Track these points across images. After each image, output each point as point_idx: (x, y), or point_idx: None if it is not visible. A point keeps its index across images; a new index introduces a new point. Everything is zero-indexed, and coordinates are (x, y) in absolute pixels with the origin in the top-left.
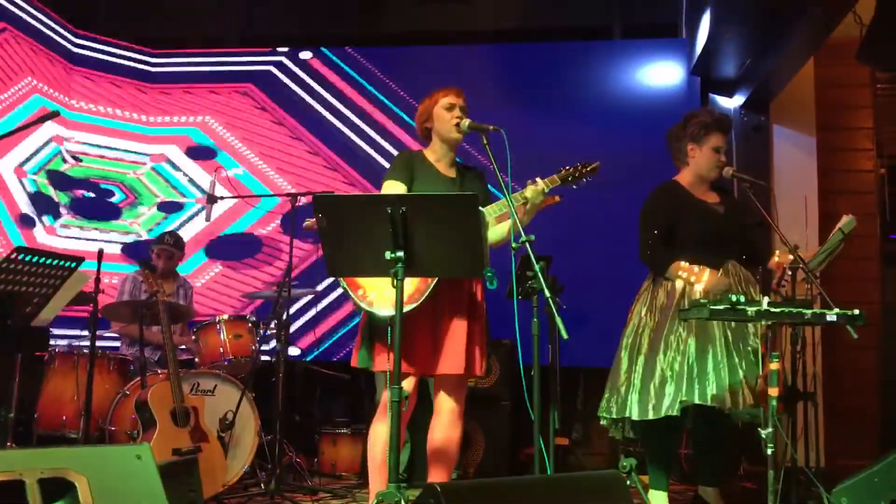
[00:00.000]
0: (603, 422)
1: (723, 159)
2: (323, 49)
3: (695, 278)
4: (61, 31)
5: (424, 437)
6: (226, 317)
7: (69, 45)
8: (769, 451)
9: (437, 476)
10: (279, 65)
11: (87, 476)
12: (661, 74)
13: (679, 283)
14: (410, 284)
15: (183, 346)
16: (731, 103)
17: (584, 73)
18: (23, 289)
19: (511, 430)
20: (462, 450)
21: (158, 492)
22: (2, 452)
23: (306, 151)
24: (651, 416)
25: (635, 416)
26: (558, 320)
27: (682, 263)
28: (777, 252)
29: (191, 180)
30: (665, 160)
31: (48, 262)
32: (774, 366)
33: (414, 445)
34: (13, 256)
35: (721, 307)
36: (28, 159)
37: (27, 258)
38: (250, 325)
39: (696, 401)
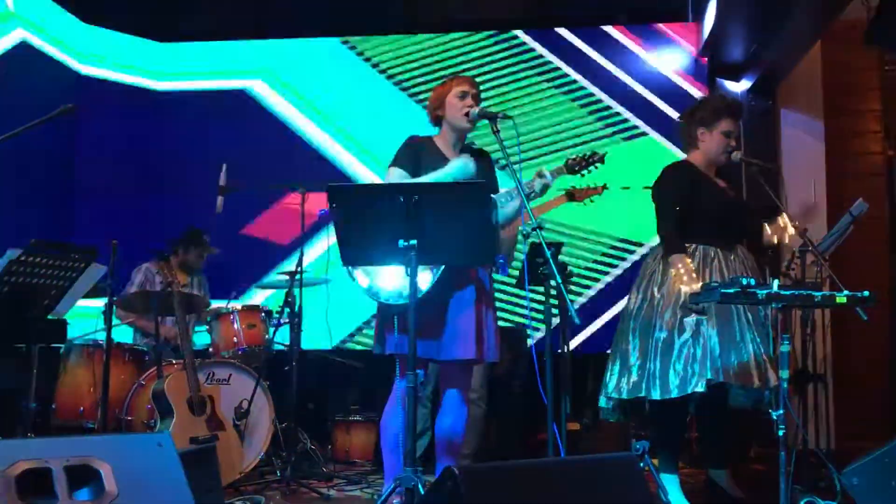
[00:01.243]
0: (604, 404)
1: (732, 144)
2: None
3: (686, 279)
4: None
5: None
6: (239, 306)
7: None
8: (780, 433)
9: (444, 461)
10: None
11: (111, 464)
12: (668, 59)
13: (672, 272)
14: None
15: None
16: (739, 87)
17: (591, 59)
18: (40, 281)
19: (522, 415)
20: (469, 436)
21: (180, 479)
22: (28, 441)
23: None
24: (675, 395)
25: (656, 396)
26: (569, 306)
27: (688, 261)
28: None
29: None
30: (674, 145)
31: (64, 255)
32: (784, 348)
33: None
34: (31, 250)
35: (732, 290)
36: None
37: (44, 251)
38: (263, 314)
39: (721, 379)
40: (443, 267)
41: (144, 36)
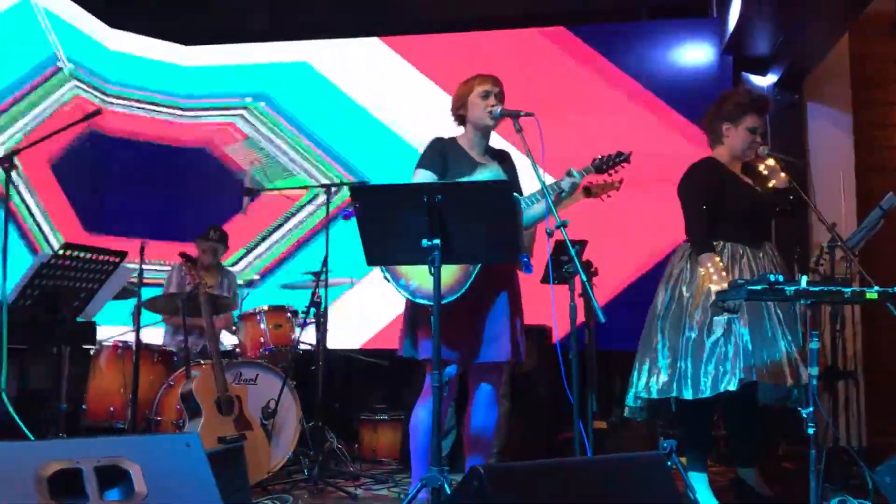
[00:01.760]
0: (631, 403)
1: (758, 139)
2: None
3: (716, 278)
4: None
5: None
6: (266, 307)
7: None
8: (810, 431)
9: (475, 458)
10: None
11: (141, 464)
12: (692, 55)
13: (701, 271)
14: (450, 274)
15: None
16: (765, 81)
17: (614, 56)
18: (70, 284)
19: (548, 413)
20: (499, 435)
21: (208, 479)
22: (59, 441)
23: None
24: (707, 394)
25: (688, 396)
26: (595, 304)
27: (717, 259)
28: None
29: None
30: (698, 141)
31: (94, 257)
32: (814, 345)
33: (459, 431)
34: (61, 252)
35: (759, 287)
36: None
37: (74, 254)
38: (290, 314)
39: (754, 377)
40: (478, 268)
41: (169, 38)
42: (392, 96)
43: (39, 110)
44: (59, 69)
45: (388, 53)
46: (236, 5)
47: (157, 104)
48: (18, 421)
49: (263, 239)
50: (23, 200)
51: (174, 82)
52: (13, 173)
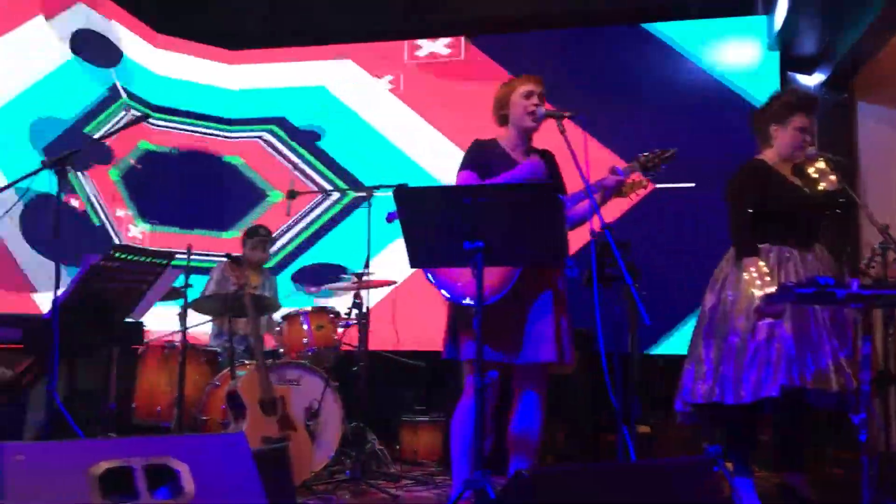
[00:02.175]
0: (681, 408)
1: (807, 139)
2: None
3: (759, 283)
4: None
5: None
6: (309, 308)
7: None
8: (862, 437)
9: (519, 461)
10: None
11: (189, 464)
12: (738, 53)
13: (744, 276)
14: (493, 275)
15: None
16: (812, 81)
17: (660, 54)
18: (119, 286)
19: (591, 417)
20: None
21: (254, 479)
22: (111, 441)
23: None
24: (748, 400)
25: (730, 402)
26: (639, 307)
27: (760, 264)
28: None
29: None
30: (744, 141)
31: (143, 259)
32: (866, 349)
33: (498, 434)
34: (110, 255)
35: (809, 291)
36: None
37: (123, 256)
38: (332, 315)
39: (797, 383)
40: (520, 269)
41: (215, 44)
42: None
43: (99, 135)
44: (118, 98)
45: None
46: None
47: (195, 125)
48: (70, 420)
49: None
50: (88, 199)
51: (212, 103)
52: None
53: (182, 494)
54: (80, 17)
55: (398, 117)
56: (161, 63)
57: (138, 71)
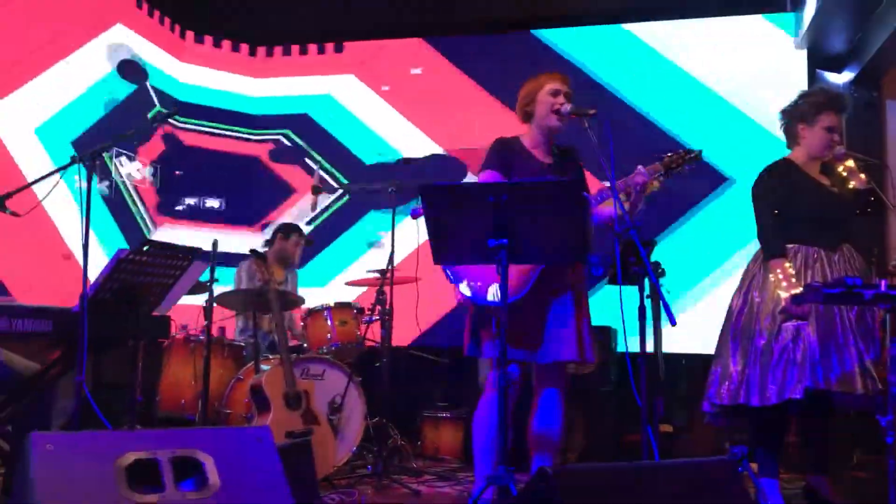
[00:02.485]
0: (709, 409)
1: (836, 139)
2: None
3: (785, 284)
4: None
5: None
6: (332, 304)
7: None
8: (889, 440)
9: (542, 459)
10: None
11: (214, 456)
12: (766, 51)
13: (770, 277)
14: (514, 275)
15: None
16: (841, 79)
17: (686, 52)
18: (146, 280)
19: (613, 416)
20: (565, 436)
21: (278, 472)
22: (138, 433)
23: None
24: (773, 401)
25: (755, 403)
26: (665, 305)
27: (787, 265)
28: None
29: None
30: (770, 139)
31: (170, 253)
32: (894, 350)
33: (518, 432)
34: (139, 250)
35: (836, 291)
36: None
37: (151, 250)
38: (355, 311)
39: (822, 385)
40: (540, 268)
41: (241, 40)
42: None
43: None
44: (153, 106)
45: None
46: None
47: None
48: (98, 412)
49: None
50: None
51: (234, 105)
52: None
53: (207, 487)
54: (119, 35)
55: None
56: (186, 73)
57: (165, 80)
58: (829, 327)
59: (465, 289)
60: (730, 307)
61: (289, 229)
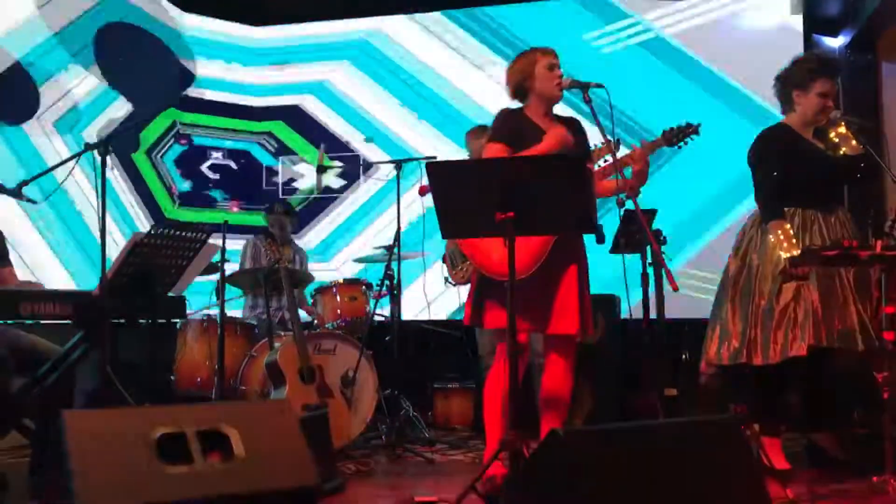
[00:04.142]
0: (706, 370)
1: (829, 104)
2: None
3: (785, 245)
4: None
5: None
6: (341, 280)
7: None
8: (885, 395)
9: (549, 425)
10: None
11: (239, 429)
12: (762, 16)
13: (770, 238)
14: (524, 252)
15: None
16: (836, 43)
17: (682, 19)
18: (162, 261)
19: (619, 382)
20: (571, 402)
21: (301, 443)
22: (166, 408)
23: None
24: (779, 359)
25: (759, 361)
26: (667, 273)
27: (786, 226)
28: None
29: None
30: (767, 104)
31: (183, 234)
32: (890, 309)
33: (524, 398)
34: (154, 232)
35: (833, 253)
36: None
37: (166, 232)
38: (364, 287)
39: (825, 343)
40: (551, 248)
41: (238, 21)
42: None
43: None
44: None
45: None
46: None
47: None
48: (123, 391)
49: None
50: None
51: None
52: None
53: (233, 457)
54: None
55: None
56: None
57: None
58: (829, 287)
59: (470, 260)
60: (726, 269)
61: (270, 208)
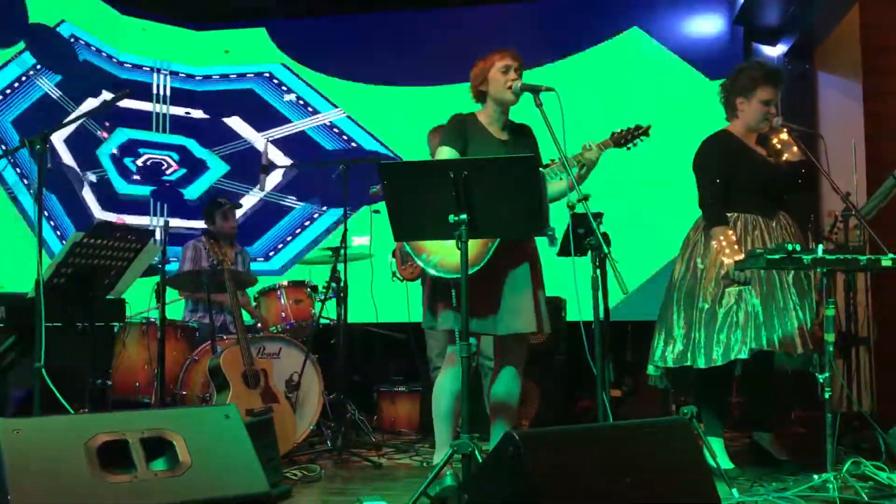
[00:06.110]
0: (653, 372)
1: (772, 111)
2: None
3: (728, 251)
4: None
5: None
6: (286, 282)
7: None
8: (826, 396)
9: (501, 426)
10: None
11: (183, 435)
12: (703, 25)
13: (713, 244)
14: (471, 248)
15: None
16: (775, 52)
17: (625, 26)
18: (101, 262)
19: (564, 383)
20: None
21: (248, 448)
22: (106, 415)
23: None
24: (720, 363)
25: (701, 365)
26: (618, 276)
27: (729, 232)
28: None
29: None
30: (710, 111)
31: (123, 236)
32: (830, 312)
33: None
34: (93, 232)
35: (777, 256)
36: None
37: (105, 233)
38: (309, 290)
39: (765, 347)
40: (497, 241)
41: (179, 24)
42: None
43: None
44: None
45: None
46: None
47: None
48: (59, 397)
49: None
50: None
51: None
52: None
53: (178, 464)
54: None
55: None
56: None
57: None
58: (770, 291)
59: (422, 262)
60: (672, 273)
61: (211, 206)
